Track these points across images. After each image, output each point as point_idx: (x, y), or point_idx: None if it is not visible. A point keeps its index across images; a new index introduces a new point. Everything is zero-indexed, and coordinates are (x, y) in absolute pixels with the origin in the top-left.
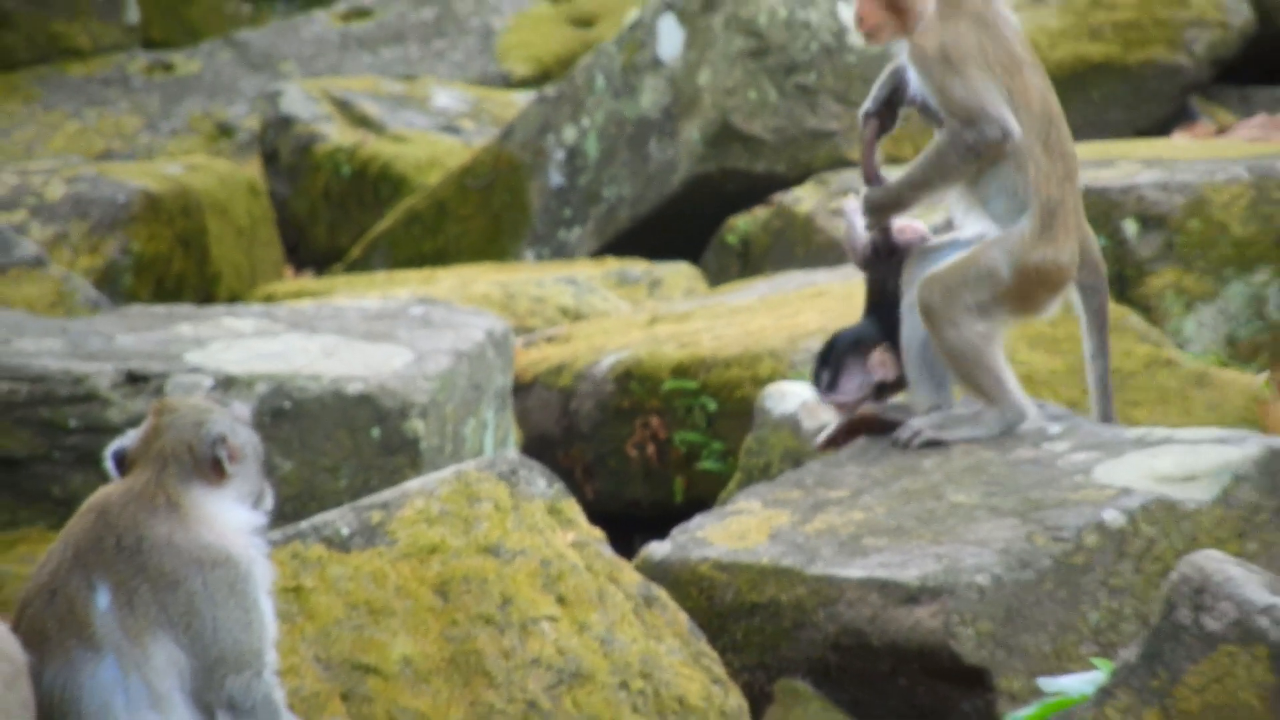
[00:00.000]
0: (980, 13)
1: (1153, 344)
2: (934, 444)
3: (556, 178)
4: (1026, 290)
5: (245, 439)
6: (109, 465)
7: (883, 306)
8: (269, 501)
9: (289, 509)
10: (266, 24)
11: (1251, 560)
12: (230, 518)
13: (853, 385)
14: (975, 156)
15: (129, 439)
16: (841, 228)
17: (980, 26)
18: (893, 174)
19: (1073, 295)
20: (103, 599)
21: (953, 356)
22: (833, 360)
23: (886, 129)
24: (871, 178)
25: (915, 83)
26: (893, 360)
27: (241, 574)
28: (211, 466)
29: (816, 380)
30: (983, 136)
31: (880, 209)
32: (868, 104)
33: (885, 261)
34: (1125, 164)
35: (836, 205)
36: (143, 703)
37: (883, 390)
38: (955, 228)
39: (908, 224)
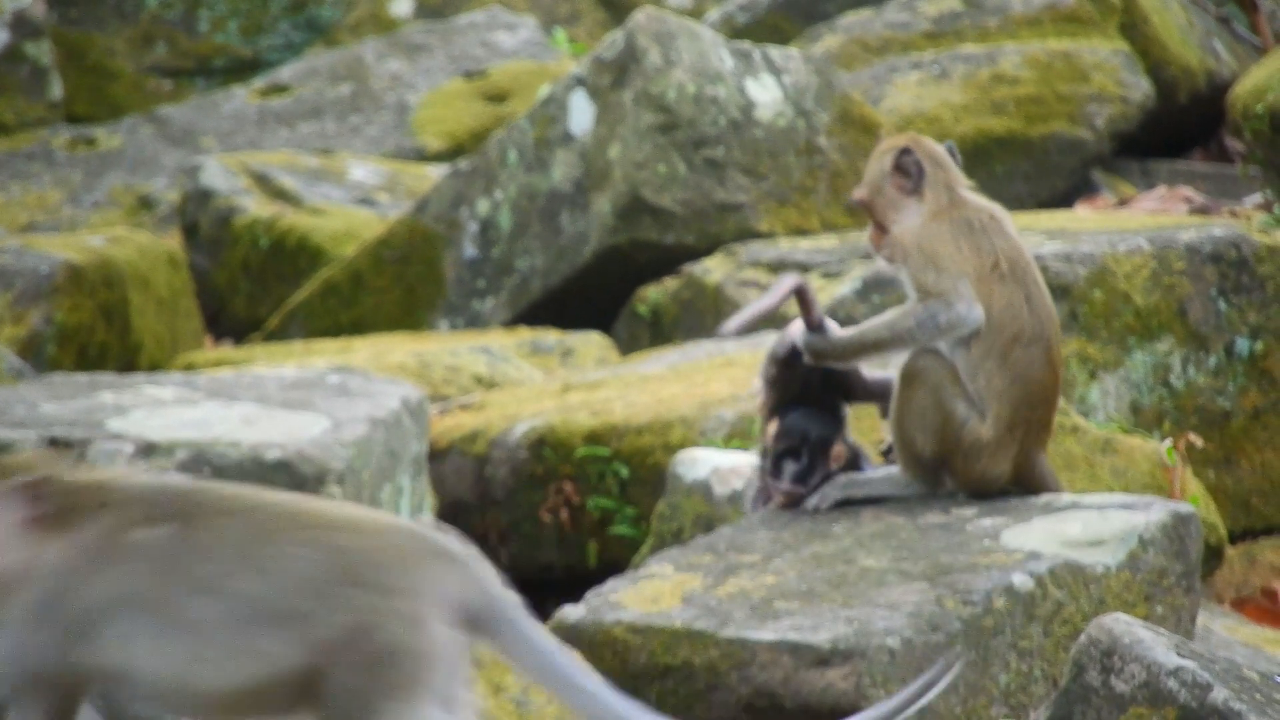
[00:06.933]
0: (970, 220)
1: (1059, 411)
2: (844, 504)
3: (470, 249)
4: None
5: None
6: None
7: (821, 394)
8: None
9: None
10: (187, 100)
11: (1159, 623)
12: None
13: (816, 478)
14: (934, 326)
15: None
16: (758, 306)
17: (965, 232)
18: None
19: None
20: None
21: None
22: (808, 457)
23: None
24: (815, 325)
25: (891, 270)
26: (844, 451)
27: None
28: None
29: (776, 470)
30: (947, 307)
31: (821, 356)
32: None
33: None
34: (1029, 235)
35: (744, 277)
36: None
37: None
38: None
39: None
